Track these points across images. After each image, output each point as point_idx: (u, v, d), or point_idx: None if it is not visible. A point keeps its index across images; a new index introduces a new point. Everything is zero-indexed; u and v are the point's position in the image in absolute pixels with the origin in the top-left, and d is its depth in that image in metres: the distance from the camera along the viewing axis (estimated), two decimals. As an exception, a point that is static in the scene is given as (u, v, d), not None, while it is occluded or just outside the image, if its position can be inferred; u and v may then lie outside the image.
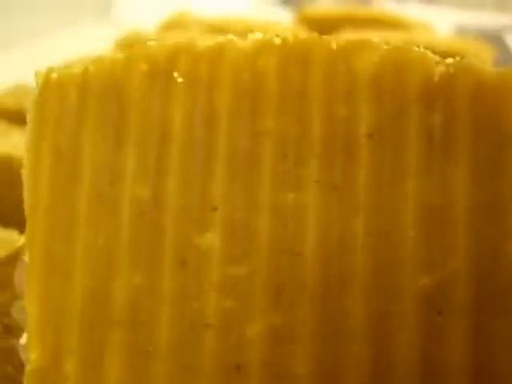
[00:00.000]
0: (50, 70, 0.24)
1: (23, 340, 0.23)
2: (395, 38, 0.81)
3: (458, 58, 0.22)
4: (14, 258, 0.38)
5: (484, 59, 0.83)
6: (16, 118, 0.65)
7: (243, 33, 0.24)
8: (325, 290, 0.22)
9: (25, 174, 0.23)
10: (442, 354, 0.21)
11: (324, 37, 0.23)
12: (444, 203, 0.21)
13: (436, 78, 0.22)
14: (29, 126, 0.23)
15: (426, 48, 0.23)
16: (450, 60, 0.22)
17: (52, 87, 0.23)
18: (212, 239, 0.22)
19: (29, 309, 0.23)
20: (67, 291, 0.23)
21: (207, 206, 0.22)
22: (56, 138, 0.23)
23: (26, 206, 0.23)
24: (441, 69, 0.22)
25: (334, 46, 0.22)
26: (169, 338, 0.22)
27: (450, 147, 0.22)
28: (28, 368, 0.23)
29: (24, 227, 0.23)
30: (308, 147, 0.22)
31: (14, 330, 0.39)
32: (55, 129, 0.23)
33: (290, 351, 0.22)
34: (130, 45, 0.91)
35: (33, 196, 0.23)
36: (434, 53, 0.22)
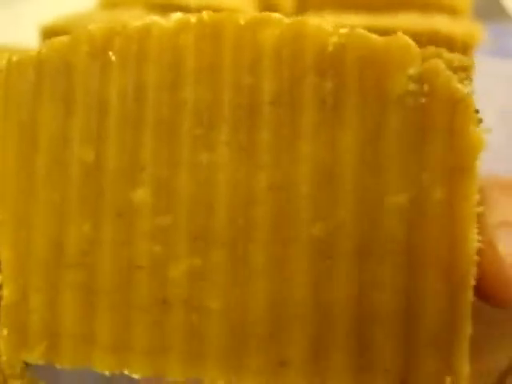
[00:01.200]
0: (12, 54, 0.28)
1: (-1, 280, 0.28)
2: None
3: (350, 28, 0.25)
4: None
5: (461, 7, 0.84)
6: None
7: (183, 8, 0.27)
8: (233, 238, 0.25)
9: None
10: (330, 293, 0.24)
11: (234, 13, 0.26)
12: (333, 161, 0.24)
13: (329, 48, 0.24)
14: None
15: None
16: (343, 30, 0.25)
17: (13, 69, 0.28)
18: (142, 194, 0.26)
19: (2, 255, 0.28)
20: (31, 240, 0.27)
21: (138, 166, 0.26)
22: (19, 112, 0.27)
23: None
24: (334, 39, 0.24)
25: (242, 22, 0.25)
26: (109, 277, 0.26)
27: (340, 111, 0.24)
28: (2, 303, 0.28)
29: None
30: (219, 113, 0.25)
31: None
32: (18, 105, 0.27)
33: (205, 288, 0.25)
34: (114, 4, 0.93)
35: (2, 163, 0.28)
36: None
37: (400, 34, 0.24)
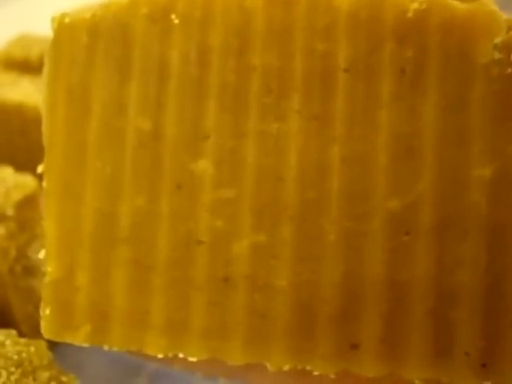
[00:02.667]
0: (63, 15, 0.26)
1: (41, 255, 0.26)
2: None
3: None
4: (29, 201, 0.42)
5: None
6: (24, 67, 0.68)
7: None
8: (303, 212, 0.24)
9: (42, 110, 0.26)
10: (408, 271, 0.23)
11: (307, -23, 0.24)
12: (413, 132, 0.23)
13: (409, 14, 0.23)
14: (45, 67, 0.26)
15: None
16: (425, -4, 0.23)
17: (65, 31, 0.26)
18: (204, 165, 0.24)
19: (47, 228, 0.26)
20: (79, 213, 0.26)
21: (200, 136, 0.25)
22: (69, 77, 0.26)
23: (44, 139, 0.26)
24: (414, 5, 0.23)
25: None
26: (166, 253, 0.25)
27: (421, 80, 0.23)
28: (45, 280, 0.26)
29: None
30: (290, 81, 0.24)
31: (32, 271, 0.43)
32: (68, 69, 0.26)
33: (271, 266, 0.24)
34: None
35: (50, 130, 0.26)
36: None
37: (485, 1, 0.23)
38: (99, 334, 0.25)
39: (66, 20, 0.26)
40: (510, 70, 0.23)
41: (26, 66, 0.67)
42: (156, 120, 0.25)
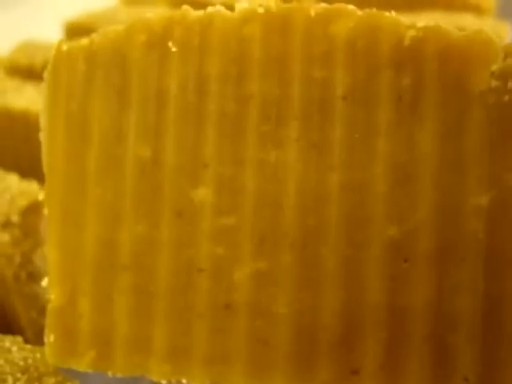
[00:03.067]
0: (61, 43, 0.26)
1: (44, 283, 0.26)
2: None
3: (427, 22, 0.24)
4: (34, 207, 0.41)
5: (486, 5, 0.82)
6: (28, 73, 0.68)
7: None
8: (303, 239, 0.24)
9: (42, 137, 0.26)
10: (407, 297, 0.23)
11: (304, 4, 0.24)
12: (411, 160, 0.23)
13: (406, 42, 0.23)
14: (44, 94, 0.26)
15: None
16: (420, 24, 0.24)
17: (63, 58, 0.26)
18: (204, 193, 0.25)
19: (49, 255, 0.26)
20: (81, 240, 0.26)
21: (200, 163, 0.25)
22: (68, 104, 0.26)
23: (44, 165, 0.26)
24: (411, 33, 0.23)
25: (313, 13, 0.24)
26: (167, 280, 0.25)
27: (419, 107, 0.23)
28: (48, 306, 0.26)
29: (42, 178, 0.26)
30: (288, 108, 0.24)
31: (37, 277, 0.43)
32: (67, 96, 0.26)
33: (272, 293, 0.24)
34: (137, 1, 0.92)
35: (50, 157, 0.26)
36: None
37: (481, 28, 0.23)
38: (103, 360, 0.26)
39: (64, 48, 0.26)
40: (507, 98, 0.23)
41: (30, 73, 0.67)
42: (155, 147, 0.25)
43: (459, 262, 0.23)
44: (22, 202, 0.42)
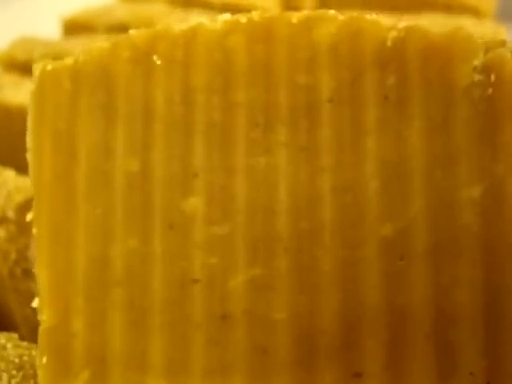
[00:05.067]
0: (46, 63, 0.26)
1: (35, 304, 0.26)
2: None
3: (408, 23, 0.24)
4: (31, 204, 0.40)
5: (485, 8, 0.81)
6: (26, 69, 0.63)
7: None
8: (297, 243, 0.24)
9: (29, 157, 0.26)
10: (405, 296, 0.23)
11: (286, 12, 0.25)
12: (401, 157, 0.23)
13: (389, 43, 0.24)
14: (30, 114, 0.26)
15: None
16: (401, 24, 0.24)
17: (48, 78, 0.26)
18: (195, 203, 0.24)
19: (39, 275, 0.26)
20: (72, 258, 0.25)
21: (189, 174, 0.25)
22: (54, 123, 0.26)
23: (32, 185, 0.26)
24: (393, 34, 0.24)
25: (295, 20, 0.24)
26: (161, 293, 0.25)
27: (405, 106, 0.24)
28: (40, 328, 0.25)
29: None
30: (276, 114, 0.24)
31: (32, 274, 0.40)
32: (53, 115, 0.26)
33: (269, 299, 0.24)
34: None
35: (37, 176, 0.26)
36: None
37: (461, 26, 0.24)
38: (98, 379, 0.25)
39: (49, 67, 0.26)
40: (490, 91, 0.23)
41: (27, 68, 0.67)
42: (144, 161, 0.25)
43: (456, 256, 0.23)
44: (19, 198, 0.42)
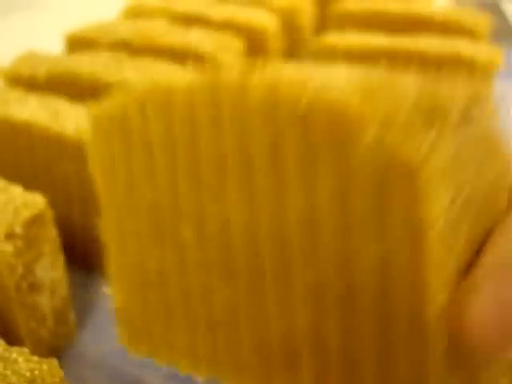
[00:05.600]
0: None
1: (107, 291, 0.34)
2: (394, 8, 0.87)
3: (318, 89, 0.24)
4: (37, 219, 0.43)
5: (480, 30, 0.86)
6: (31, 84, 0.67)
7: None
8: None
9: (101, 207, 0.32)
10: (326, 339, 0.27)
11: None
12: (314, 212, 0.25)
13: (302, 107, 0.24)
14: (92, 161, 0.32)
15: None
16: (310, 89, 0.24)
17: (101, 131, 0.31)
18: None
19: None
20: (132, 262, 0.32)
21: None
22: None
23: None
24: (304, 100, 0.24)
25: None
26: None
27: (314, 169, 0.25)
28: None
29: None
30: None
31: (37, 288, 0.45)
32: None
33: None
34: (138, 14, 0.93)
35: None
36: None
37: (357, 99, 0.23)
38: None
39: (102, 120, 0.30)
40: (381, 167, 0.23)
41: (32, 84, 0.67)
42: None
43: (358, 309, 0.25)
44: (26, 214, 0.43)
